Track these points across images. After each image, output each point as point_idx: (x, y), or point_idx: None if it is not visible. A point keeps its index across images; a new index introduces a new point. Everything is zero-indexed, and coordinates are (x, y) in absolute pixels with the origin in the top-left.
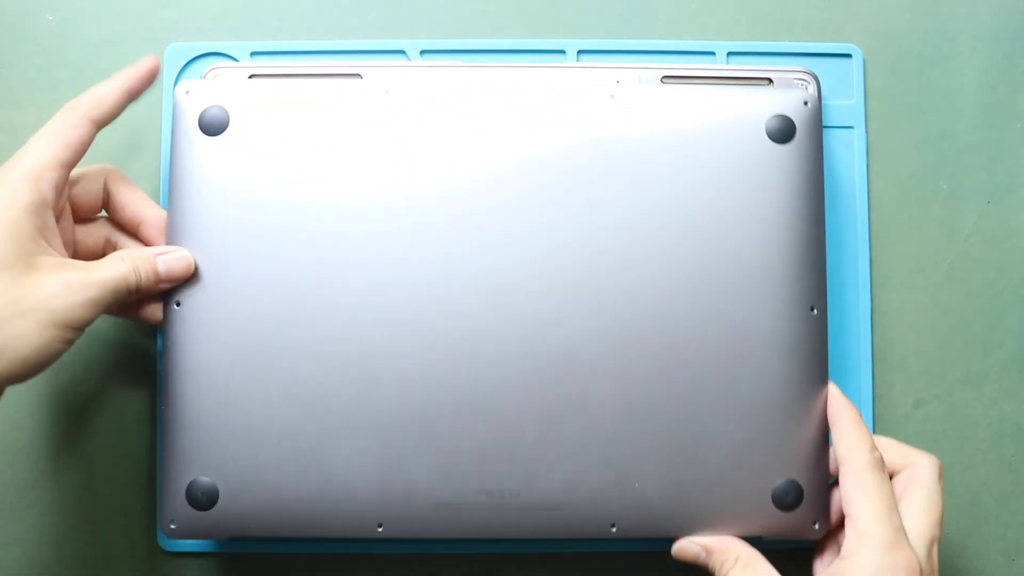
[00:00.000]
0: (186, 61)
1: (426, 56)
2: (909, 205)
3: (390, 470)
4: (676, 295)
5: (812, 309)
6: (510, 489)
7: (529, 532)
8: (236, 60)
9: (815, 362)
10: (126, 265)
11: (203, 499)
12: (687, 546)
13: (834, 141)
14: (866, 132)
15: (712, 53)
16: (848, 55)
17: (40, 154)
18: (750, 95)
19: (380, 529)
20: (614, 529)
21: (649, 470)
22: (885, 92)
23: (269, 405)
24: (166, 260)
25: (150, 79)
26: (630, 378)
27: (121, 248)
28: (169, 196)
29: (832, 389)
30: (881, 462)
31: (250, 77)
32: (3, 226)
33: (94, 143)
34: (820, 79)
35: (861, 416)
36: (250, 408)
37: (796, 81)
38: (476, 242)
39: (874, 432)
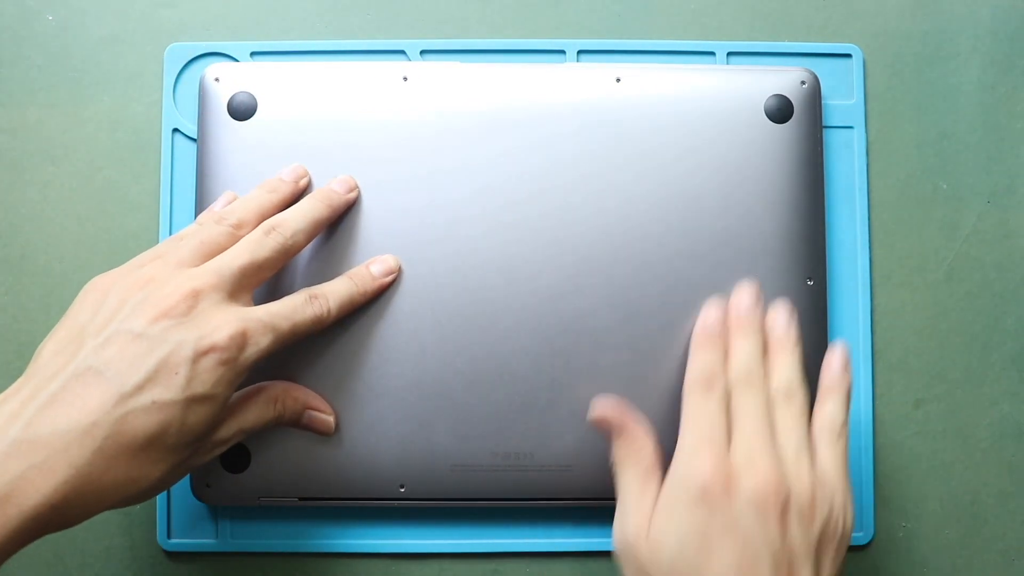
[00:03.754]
0: (186, 61)
1: (426, 56)
2: (909, 205)
3: (411, 434)
4: (679, 268)
5: (808, 281)
6: (524, 451)
7: (542, 492)
8: (236, 60)
9: (812, 331)
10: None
11: (237, 462)
12: (605, 416)
13: (834, 141)
14: (866, 132)
15: (712, 53)
16: (848, 55)
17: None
18: (749, 77)
19: (402, 490)
20: None
21: (655, 433)
22: (885, 92)
23: (297, 375)
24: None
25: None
26: (636, 347)
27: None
28: (197, 179)
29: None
30: (699, 382)
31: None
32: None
33: (94, 139)
34: (820, 79)
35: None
36: (279, 377)
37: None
38: (491, 220)
39: (874, 433)
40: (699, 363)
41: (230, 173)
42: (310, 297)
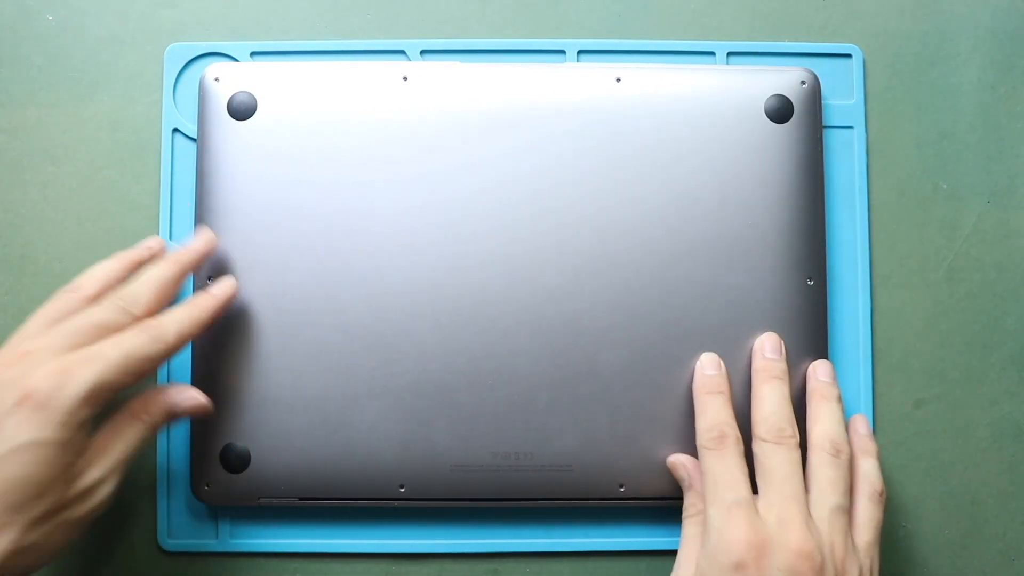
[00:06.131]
0: (186, 61)
1: (426, 56)
2: (909, 205)
3: (411, 434)
4: (678, 268)
5: (809, 280)
6: (524, 452)
7: (541, 492)
8: (236, 60)
9: (812, 331)
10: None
11: (236, 462)
12: (678, 465)
13: (834, 141)
14: (866, 132)
15: (712, 53)
16: (848, 55)
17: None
18: (750, 77)
19: (402, 490)
20: (622, 489)
21: (655, 433)
22: (885, 92)
23: (297, 375)
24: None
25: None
26: (636, 347)
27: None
28: (197, 179)
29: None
30: (712, 439)
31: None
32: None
33: (94, 139)
34: (820, 79)
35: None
36: (279, 378)
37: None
38: (491, 220)
39: (875, 432)
40: (708, 419)
41: (230, 173)
42: (144, 325)
